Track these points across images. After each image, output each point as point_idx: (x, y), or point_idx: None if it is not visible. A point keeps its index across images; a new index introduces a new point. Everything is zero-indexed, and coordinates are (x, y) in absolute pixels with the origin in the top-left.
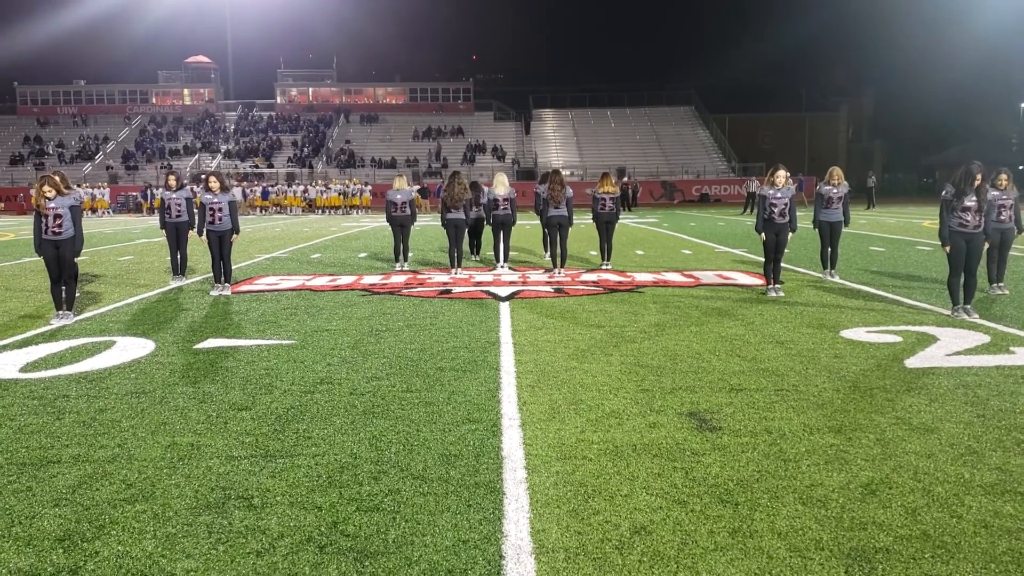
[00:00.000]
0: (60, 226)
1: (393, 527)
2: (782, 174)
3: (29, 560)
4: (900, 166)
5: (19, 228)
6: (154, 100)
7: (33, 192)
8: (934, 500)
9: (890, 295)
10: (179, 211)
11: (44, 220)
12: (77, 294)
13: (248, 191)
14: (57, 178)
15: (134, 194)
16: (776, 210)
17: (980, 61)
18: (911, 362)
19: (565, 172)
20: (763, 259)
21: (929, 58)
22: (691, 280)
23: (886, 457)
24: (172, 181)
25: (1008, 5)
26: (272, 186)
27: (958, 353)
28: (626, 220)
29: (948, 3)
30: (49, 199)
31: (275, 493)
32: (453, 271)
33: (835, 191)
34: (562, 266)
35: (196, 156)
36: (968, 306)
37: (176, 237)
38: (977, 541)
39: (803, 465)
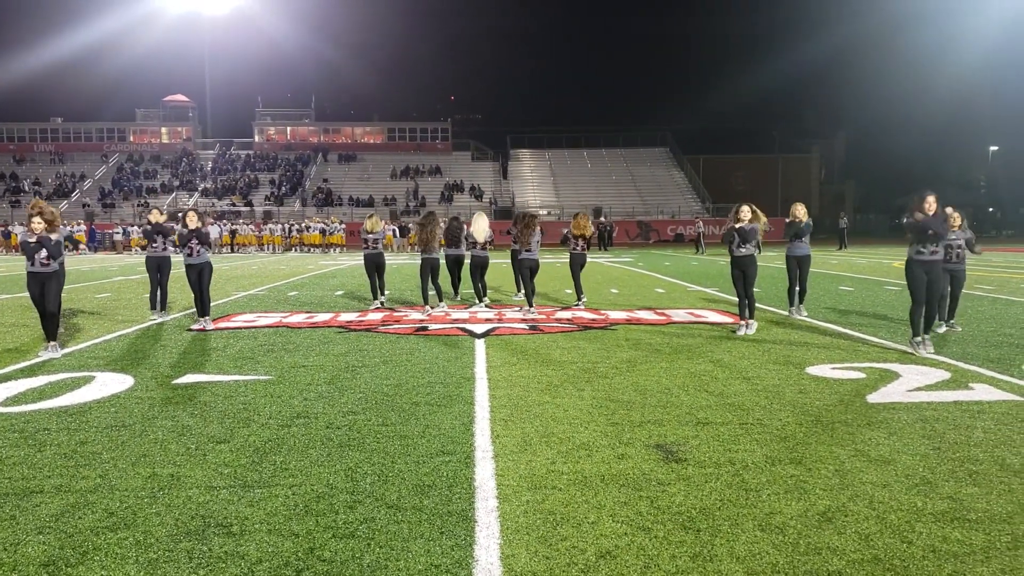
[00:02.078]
0: (48, 260)
1: (368, 552)
2: (746, 209)
3: None
4: (871, 207)
5: None
6: (132, 138)
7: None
8: (887, 527)
9: (856, 333)
10: (163, 246)
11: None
12: (61, 329)
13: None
14: (51, 210)
15: (110, 231)
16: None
17: (950, 105)
18: (873, 397)
19: (542, 212)
20: (731, 297)
21: (900, 102)
22: (663, 318)
23: (843, 487)
24: (155, 215)
25: (977, 50)
26: (226, 222)
27: (919, 389)
28: (600, 259)
29: (919, 49)
30: (37, 233)
31: (253, 521)
32: (427, 309)
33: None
34: (530, 305)
35: (173, 194)
36: (926, 336)
37: (158, 271)
38: (925, 564)
39: (764, 494)
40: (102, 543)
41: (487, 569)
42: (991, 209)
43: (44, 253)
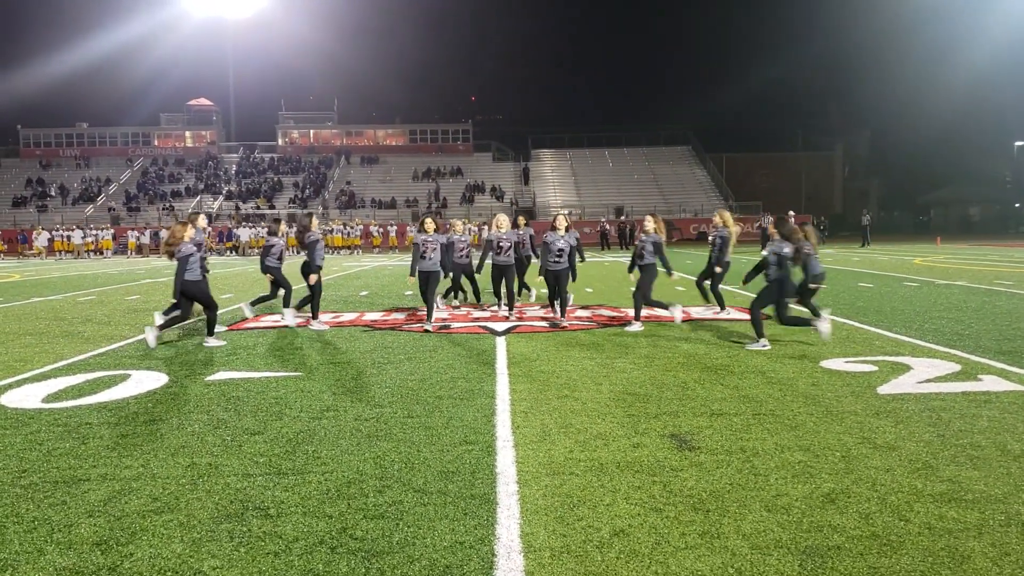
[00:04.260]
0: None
1: (397, 531)
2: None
3: (72, 560)
4: (896, 204)
5: (23, 269)
6: (156, 142)
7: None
8: (886, 507)
9: (872, 328)
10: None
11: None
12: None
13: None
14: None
15: (135, 234)
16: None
17: (974, 101)
18: (883, 389)
19: (563, 212)
20: (751, 294)
21: (924, 99)
22: (683, 315)
23: (848, 471)
24: (283, 228)
25: (1002, 45)
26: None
27: (928, 380)
28: (622, 258)
29: (941, 44)
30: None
31: (289, 504)
32: (428, 323)
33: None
34: (562, 314)
35: (198, 198)
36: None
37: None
38: (920, 540)
39: (772, 478)
40: (148, 525)
41: (508, 546)
42: (1017, 205)
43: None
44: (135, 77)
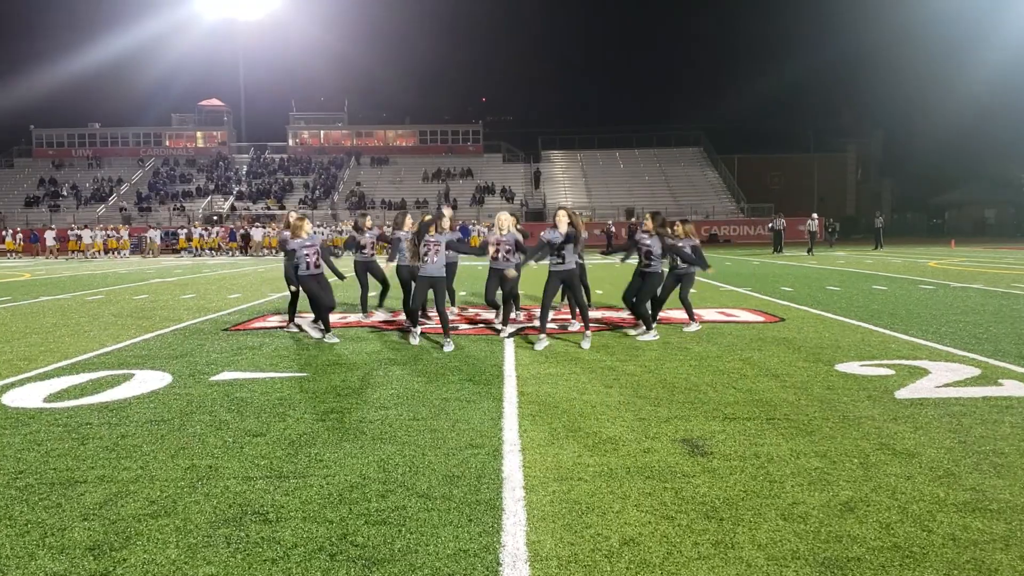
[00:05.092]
0: (318, 264)
1: (399, 538)
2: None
3: (63, 566)
4: (909, 206)
5: (35, 268)
6: (167, 142)
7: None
8: (908, 516)
9: (887, 331)
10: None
11: (301, 255)
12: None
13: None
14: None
15: (145, 235)
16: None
17: (989, 102)
18: (901, 393)
19: (567, 207)
20: (763, 296)
21: (937, 99)
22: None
23: (867, 479)
24: (369, 223)
25: (1016, 46)
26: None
27: (948, 385)
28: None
29: (955, 45)
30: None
31: (289, 509)
32: (413, 336)
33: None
34: (585, 327)
35: (209, 198)
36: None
37: (366, 272)
38: (944, 552)
39: (787, 485)
40: (144, 529)
41: (513, 554)
42: None
43: (315, 257)
44: (147, 78)
